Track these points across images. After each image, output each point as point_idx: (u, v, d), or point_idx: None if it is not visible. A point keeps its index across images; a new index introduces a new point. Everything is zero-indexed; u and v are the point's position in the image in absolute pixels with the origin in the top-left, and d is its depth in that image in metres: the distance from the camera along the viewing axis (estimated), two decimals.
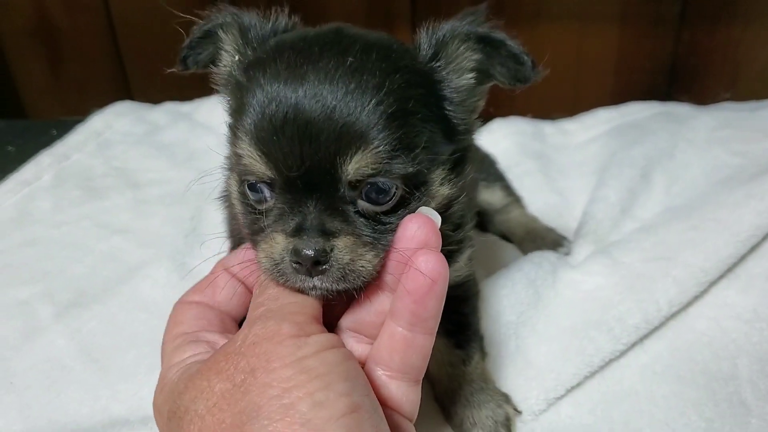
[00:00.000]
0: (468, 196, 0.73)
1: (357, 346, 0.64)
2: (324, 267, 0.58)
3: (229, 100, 0.68)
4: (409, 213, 0.61)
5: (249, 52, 0.67)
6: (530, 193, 1.29)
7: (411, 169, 0.59)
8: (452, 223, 0.70)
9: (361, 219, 0.60)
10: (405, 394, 0.62)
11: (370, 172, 0.57)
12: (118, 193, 1.34)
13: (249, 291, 0.74)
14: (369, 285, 0.61)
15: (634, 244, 1.04)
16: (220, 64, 0.71)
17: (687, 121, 1.39)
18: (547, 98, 1.83)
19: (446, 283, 0.59)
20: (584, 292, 0.97)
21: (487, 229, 1.24)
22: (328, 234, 0.58)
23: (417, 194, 0.61)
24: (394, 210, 0.61)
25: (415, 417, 0.64)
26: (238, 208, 0.67)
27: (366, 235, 0.59)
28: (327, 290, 0.60)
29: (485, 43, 0.66)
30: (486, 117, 1.57)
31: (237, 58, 0.67)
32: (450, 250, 0.65)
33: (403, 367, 0.61)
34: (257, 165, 0.59)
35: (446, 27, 0.66)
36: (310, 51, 0.60)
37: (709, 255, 0.98)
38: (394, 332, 0.60)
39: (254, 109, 0.59)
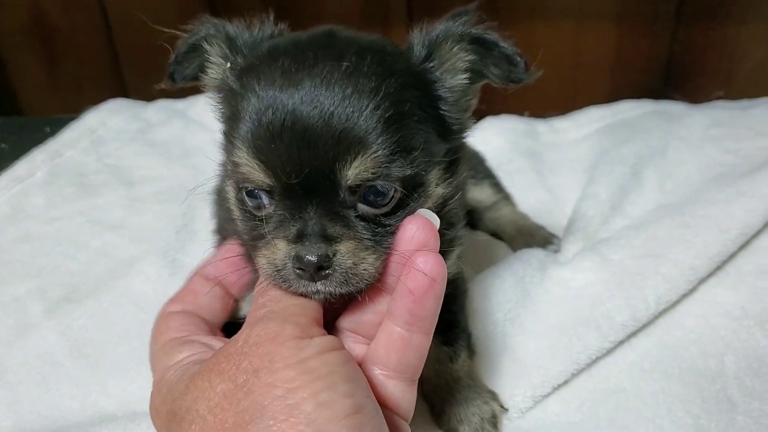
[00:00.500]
0: (461, 196, 0.74)
1: (355, 346, 0.64)
2: (327, 272, 0.59)
3: (221, 108, 0.68)
4: (407, 214, 0.61)
5: (240, 60, 0.67)
6: (521, 191, 1.29)
7: (409, 172, 0.59)
8: (446, 222, 0.71)
9: (362, 222, 0.60)
10: (402, 393, 0.62)
11: (370, 176, 0.58)
12: (111, 190, 1.35)
13: (228, 294, 0.75)
14: (370, 287, 0.62)
15: (624, 241, 1.04)
16: (208, 75, 0.71)
17: (680, 119, 1.39)
18: (543, 97, 1.83)
19: (444, 283, 0.60)
20: (573, 290, 0.98)
21: (477, 227, 1.24)
22: (329, 239, 0.59)
23: (415, 195, 0.62)
24: (393, 212, 0.62)
25: (411, 417, 0.65)
26: (236, 214, 0.67)
27: (367, 239, 0.60)
28: (330, 294, 0.61)
29: (479, 44, 0.66)
30: (478, 115, 1.57)
31: (228, 65, 0.67)
32: (443, 250, 0.65)
33: (400, 366, 0.61)
34: (255, 173, 0.59)
35: (439, 28, 0.66)
36: (304, 56, 0.60)
37: (699, 252, 0.98)
38: (392, 332, 0.61)
39: (250, 117, 0.59)
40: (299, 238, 0.59)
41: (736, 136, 1.32)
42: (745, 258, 1.03)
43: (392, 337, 0.61)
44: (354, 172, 0.57)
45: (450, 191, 0.67)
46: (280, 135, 0.57)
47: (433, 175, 0.64)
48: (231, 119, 0.62)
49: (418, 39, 0.66)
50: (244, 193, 0.63)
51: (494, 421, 0.83)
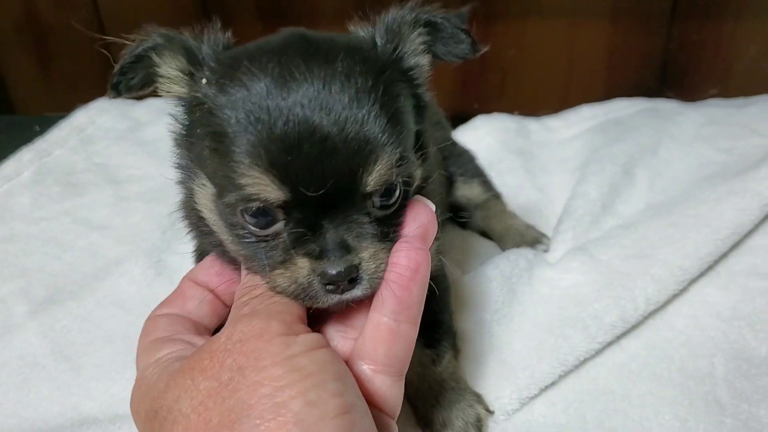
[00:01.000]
0: (437, 186, 0.73)
1: (342, 342, 0.63)
2: (357, 282, 0.59)
3: (192, 126, 0.63)
4: (405, 206, 0.62)
5: (207, 73, 0.62)
6: (512, 190, 1.28)
7: (412, 168, 0.60)
8: None
9: (374, 225, 0.60)
10: (389, 388, 0.61)
11: (387, 179, 0.58)
12: (98, 190, 1.34)
13: (218, 298, 0.73)
14: None
15: (613, 241, 1.03)
16: (164, 89, 0.65)
17: (672, 117, 1.38)
18: (538, 95, 1.82)
19: (428, 270, 0.60)
20: (561, 290, 0.96)
21: (467, 226, 1.23)
22: (350, 248, 0.58)
23: (408, 184, 0.62)
24: (398, 208, 0.62)
25: (397, 415, 0.63)
26: (227, 236, 0.63)
27: (380, 240, 0.60)
28: (354, 299, 0.60)
29: (429, 25, 0.67)
30: (469, 113, 1.56)
31: (204, 80, 0.61)
32: None
33: (387, 359, 0.60)
34: (269, 189, 0.56)
35: (394, 17, 0.66)
36: (294, 63, 0.57)
37: (689, 252, 0.97)
38: (379, 323, 0.60)
39: (255, 130, 0.55)
40: (322, 253, 0.58)
41: (731, 134, 1.31)
42: (737, 258, 1.02)
43: (379, 329, 0.60)
44: (374, 177, 0.57)
45: (428, 169, 0.68)
46: (298, 146, 0.54)
47: (415, 158, 0.64)
48: (215, 136, 0.58)
49: (378, 31, 0.66)
50: (245, 214, 0.59)
51: (479, 424, 0.82)
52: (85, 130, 1.53)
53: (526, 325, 0.93)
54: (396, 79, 0.62)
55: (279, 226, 0.59)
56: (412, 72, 0.66)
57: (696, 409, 0.83)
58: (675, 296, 0.96)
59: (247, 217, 0.59)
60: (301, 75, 0.56)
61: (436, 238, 0.74)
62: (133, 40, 0.64)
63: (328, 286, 0.58)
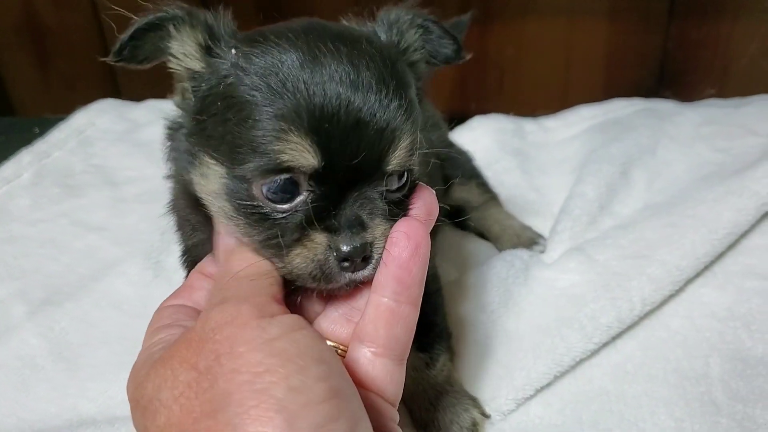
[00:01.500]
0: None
1: (348, 326, 0.62)
2: (369, 260, 0.59)
3: (202, 102, 0.62)
4: (409, 192, 0.63)
5: (237, 44, 0.61)
6: (509, 191, 1.28)
7: (424, 150, 0.61)
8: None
9: (386, 205, 0.60)
10: (390, 372, 0.60)
11: (404, 161, 0.59)
12: (96, 191, 1.34)
13: None
14: None
15: (610, 241, 1.03)
16: (181, 64, 0.64)
17: (670, 117, 1.38)
18: (536, 94, 1.82)
19: (428, 249, 0.60)
20: (557, 290, 0.97)
21: (465, 227, 1.23)
22: (365, 226, 0.58)
23: (413, 172, 0.63)
24: (407, 190, 0.63)
25: (398, 401, 0.62)
26: (236, 221, 0.61)
27: (391, 220, 0.60)
28: (365, 278, 0.60)
29: (422, 27, 0.69)
30: (467, 114, 1.55)
31: (233, 51, 0.60)
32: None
33: (388, 341, 0.59)
34: (305, 154, 0.55)
35: (397, 14, 0.68)
36: (322, 41, 0.58)
37: (686, 253, 0.97)
38: (380, 304, 0.59)
39: (293, 97, 0.55)
40: (339, 228, 0.58)
41: (728, 134, 1.30)
42: (733, 258, 1.02)
43: (380, 309, 0.59)
44: (397, 157, 0.58)
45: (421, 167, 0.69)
46: (335, 116, 0.55)
47: None
48: (241, 106, 0.57)
49: (380, 27, 0.67)
50: (264, 188, 0.58)
51: (475, 428, 0.81)
52: (84, 132, 1.54)
53: (522, 326, 0.93)
54: (406, 68, 0.65)
55: (300, 199, 0.58)
56: (414, 67, 0.68)
57: (691, 409, 0.83)
58: (671, 297, 0.96)
59: (265, 191, 0.58)
60: (329, 52, 0.57)
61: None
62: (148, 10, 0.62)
63: (343, 263, 0.58)
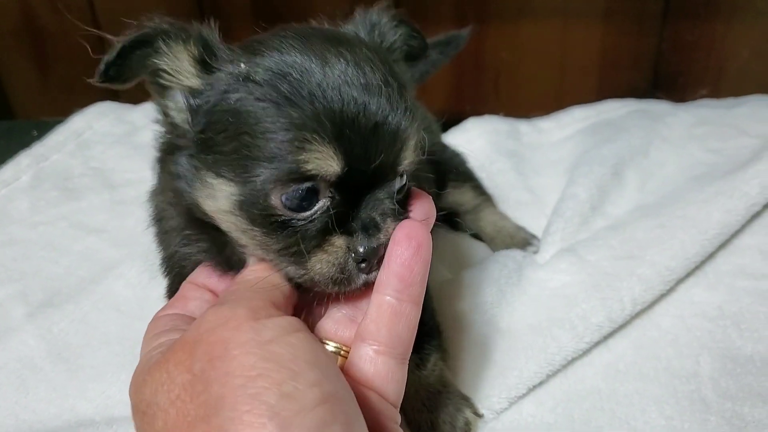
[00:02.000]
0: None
1: (353, 327, 0.63)
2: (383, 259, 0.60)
3: (207, 119, 0.60)
4: (408, 192, 0.64)
5: (243, 57, 0.60)
6: (503, 192, 1.29)
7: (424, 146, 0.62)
8: None
9: (395, 205, 0.61)
10: (391, 371, 0.61)
11: (412, 160, 0.60)
12: (94, 194, 1.35)
13: (217, 298, 0.74)
14: None
15: (601, 241, 1.04)
16: (168, 80, 0.61)
17: (663, 118, 1.39)
18: (531, 96, 1.83)
19: (430, 249, 0.61)
20: (549, 290, 0.98)
21: (458, 228, 1.24)
22: (379, 227, 0.60)
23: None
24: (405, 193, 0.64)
25: (400, 402, 0.63)
26: (252, 233, 0.60)
27: (399, 220, 0.61)
28: (375, 279, 0.61)
29: (398, 26, 0.71)
30: (462, 115, 1.56)
31: (242, 64, 0.59)
32: None
33: (390, 339, 0.60)
34: (330, 161, 0.55)
35: (376, 15, 0.70)
36: (324, 46, 0.58)
37: (676, 253, 0.99)
38: (382, 302, 0.60)
39: (310, 105, 0.55)
40: (357, 230, 0.59)
41: (721, 134, 1.32)
42: (724, 258, 1.03)
43: (382, 308, 0.60)
44: (407, 158, 0.59)
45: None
46: (354, 121, 0.56)
47: None
48: (255, 118, 0.56)
49: (360, 27, 0.69)
50: (283, 197, 0.57)
51: (467, 428, 0.82)
52: (82, 135, 1.55)
53: (514, 326, 0.94)
54: (403, 70, 0.67)
55: (320, 205, 0.58)
56: (399, 62, 0.70)
57: (681, 407, 0.85)
58: (662, 296, 0.98)
59: (284, 200, 0.57)
60: (335, 57, 0.58)
61: None
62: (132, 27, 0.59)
63: (361, 264, 0.59)
